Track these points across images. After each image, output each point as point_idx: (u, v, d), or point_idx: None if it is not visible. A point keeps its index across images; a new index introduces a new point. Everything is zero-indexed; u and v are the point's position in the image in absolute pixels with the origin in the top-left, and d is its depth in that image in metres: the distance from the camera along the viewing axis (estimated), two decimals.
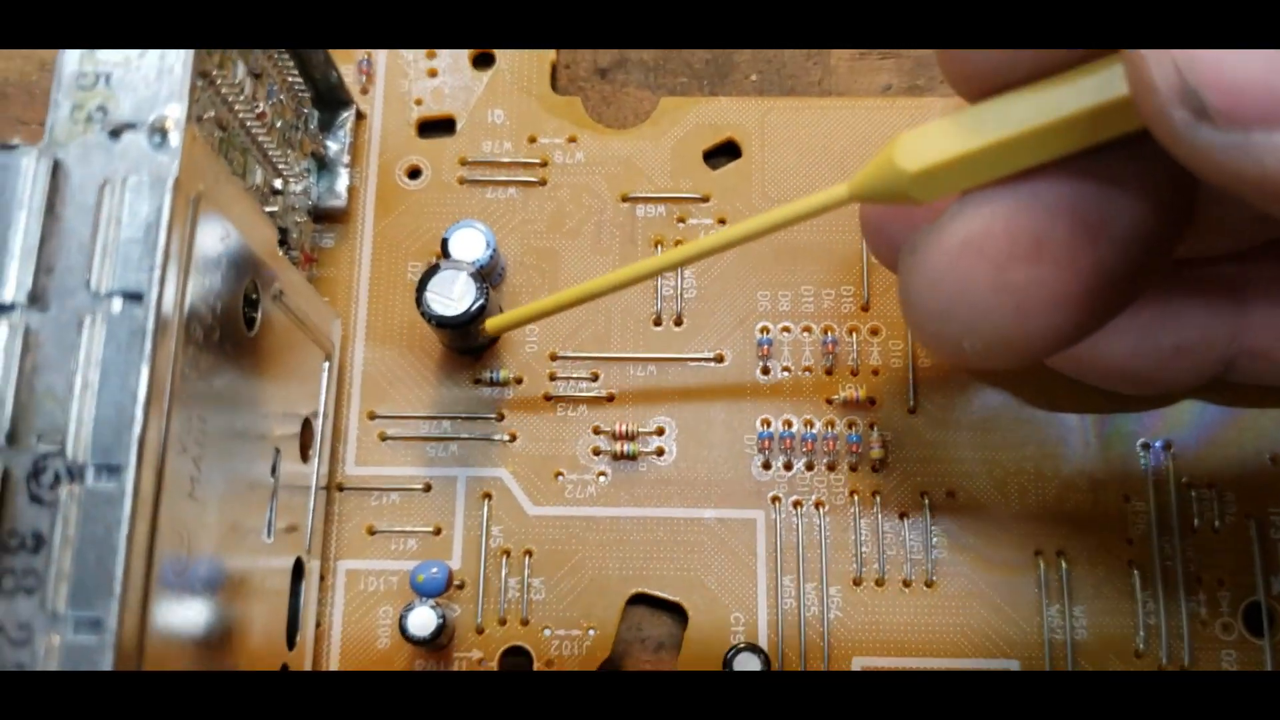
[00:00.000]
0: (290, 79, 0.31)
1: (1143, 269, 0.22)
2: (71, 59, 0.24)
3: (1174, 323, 0.27)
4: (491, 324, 0.31)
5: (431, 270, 0.31)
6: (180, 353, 0.23)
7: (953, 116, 0.21)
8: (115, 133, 0.23)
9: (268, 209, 0.30)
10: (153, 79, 0.23)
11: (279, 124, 0.31)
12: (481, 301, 0.30)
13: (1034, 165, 0.21)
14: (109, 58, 0.23)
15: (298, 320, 0.29)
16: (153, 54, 0.23)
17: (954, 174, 0.21)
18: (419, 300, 0.30)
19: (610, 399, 0.33)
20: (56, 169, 0.23)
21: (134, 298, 0.22)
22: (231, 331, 0.25)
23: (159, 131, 0.23)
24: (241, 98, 0.28)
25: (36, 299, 0.22)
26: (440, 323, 0.30)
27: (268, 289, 0.27)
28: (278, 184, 0.30)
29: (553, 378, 0.33)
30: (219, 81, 0.26)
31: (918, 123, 0.34)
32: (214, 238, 0.24)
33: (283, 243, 0.31)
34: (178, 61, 0.24)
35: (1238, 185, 0.18)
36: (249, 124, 0.28)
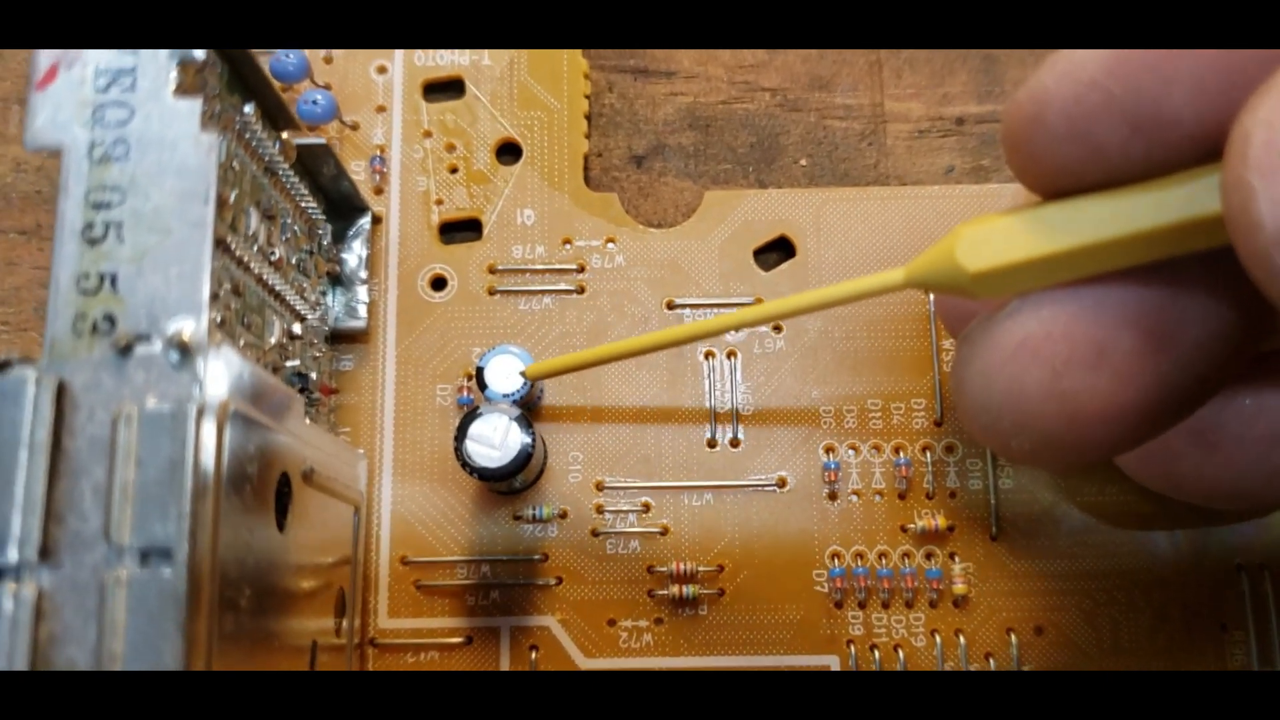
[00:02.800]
0: (303, 203, 0.28)
1: (1212, 379, 0.20)
2: (69, 255, 0.20)
3: None
4: (531, 371, 0.29)
5: (470, 415, 0.27)
6: (217, 606, 0.20)
7: (1021, 214, 0.19)
8: (125, 348, 0.20)
9: (289, 363, 0.27)
10: (166, 279, 0.20)
11: (294, 259, 0.27)
12: (528, 451, 0.27)
13: (1101, 272, 0.19)
14: (115, 252, 0.20)
15: (327, 489, 0.26)
16: (169, 246, 0.20)
17: (1017, 277, 0.20)
18: (458, 450, 0.27)
19: (664, 532, 0.30)
20: (61, 394, 0.20)
21: (162, 554, 0.19)
22: (265, 540, 0.22)
23: (177, 347, 0.20)
24: (255, 250, 0.25)
25: (48, 554, 0.19)
26: (484, 475, 0.27)
27: (297, 473, 0.24)
28: (296, 328, 0.27)
29: (600, 510, 0.30)
30: (233, 245, 0.23)
31: (983, 213, 0.31)
32: (243, 448, 0.21)
33: (302, 389, 0.28)
34: (193, 248, 0.20)
35: None
36: (265, 277, 0.25)
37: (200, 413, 0.19)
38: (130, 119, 0.21)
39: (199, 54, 0.21)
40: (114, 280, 0.20)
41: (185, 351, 0.20)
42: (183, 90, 0.21)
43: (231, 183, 0.23)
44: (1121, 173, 0.19)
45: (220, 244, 0.23)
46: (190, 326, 0.20)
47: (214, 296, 0.22)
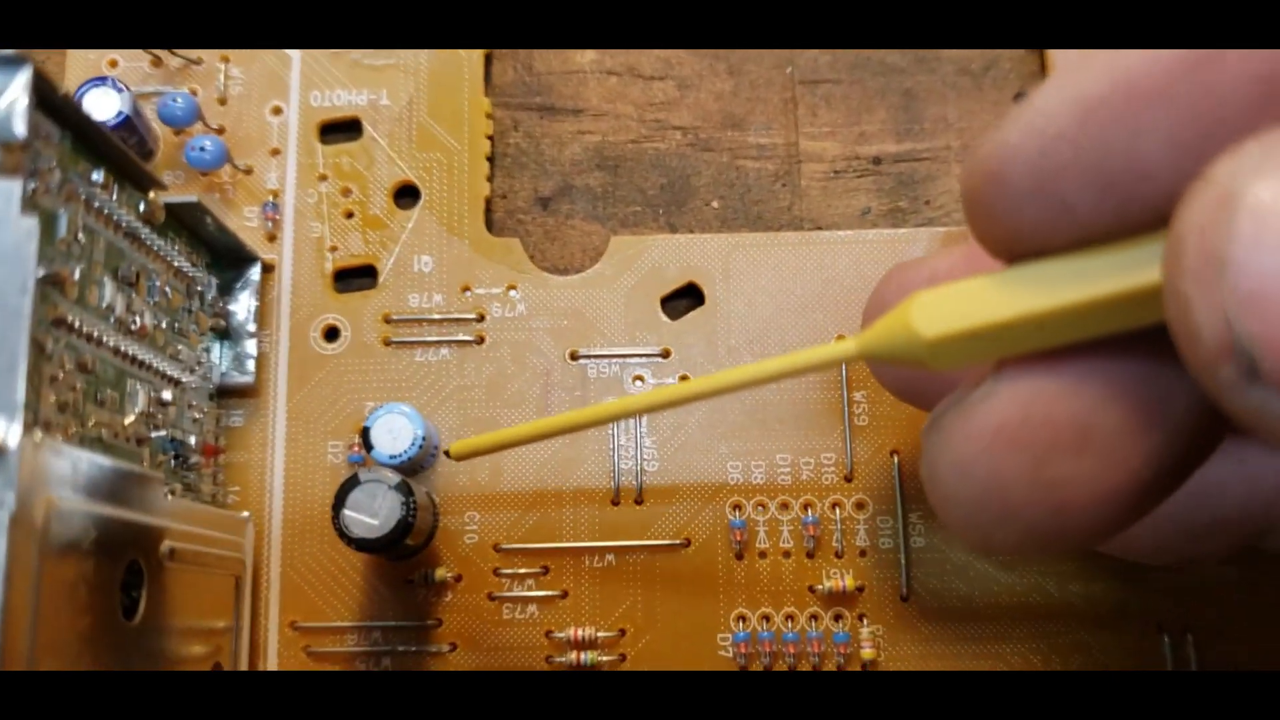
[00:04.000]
0: (176, 263, 0.27)
1: (1198, 452, 0.19)
2: None
3: (1213, 499, 0.23)
4: (456, 448, 0.26)
5: (348, 484, 0.26)
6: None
7: (981, 278, 0.18)
8: None
9: (157, 432, 0.25)
10: None
11: (163, 323, 0.26)
12: (408, 519, 0.26)
13: (1074, 342, 0.18)
14: None
15: (198, 563, 0.25)
16: None
17: (978, 345, 0.18)
18: (335, 520, 0.26)
19: (564, 595, 0.29)
20: None
21: None
22: (107, 636, 0.21)
23: None
24: (111, 321, 0.24)
25: None
26: (362, 546, 0.26)
27: (153, 555, 0.23)
28: (167, 394, 0.26)
29: (497, 573, 0.29)
30: (77, 323, 0.22)
31: (902, 259, 0.30)
32: (73, 545, 0.20)
33: (177, 456, 0.27)
34: (10, 342, 0.19)
35: None
36: (123, 349, 0.24)
37: (14, 520, 0.18)
38: None
39: (19, 131, 0.20)
40: None
41: None
42: (2, 170, 0.20)
43: (76, 256, 0.22)
44: (1092, 233, 0.17)
45: (60, 323, 0.21)
46: (3, 427, 0.19)
47: (52, 379, 0.21)
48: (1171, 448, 0.18)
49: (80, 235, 0.22)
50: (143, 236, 0.25)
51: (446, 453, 0.27)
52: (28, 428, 0.19)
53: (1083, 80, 0.17)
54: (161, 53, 0.32)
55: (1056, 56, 0.32)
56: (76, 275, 0.22)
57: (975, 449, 0.18)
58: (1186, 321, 0.15)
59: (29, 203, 0.20)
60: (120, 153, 0.24)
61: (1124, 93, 0.16)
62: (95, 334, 0.23)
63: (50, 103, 0.21)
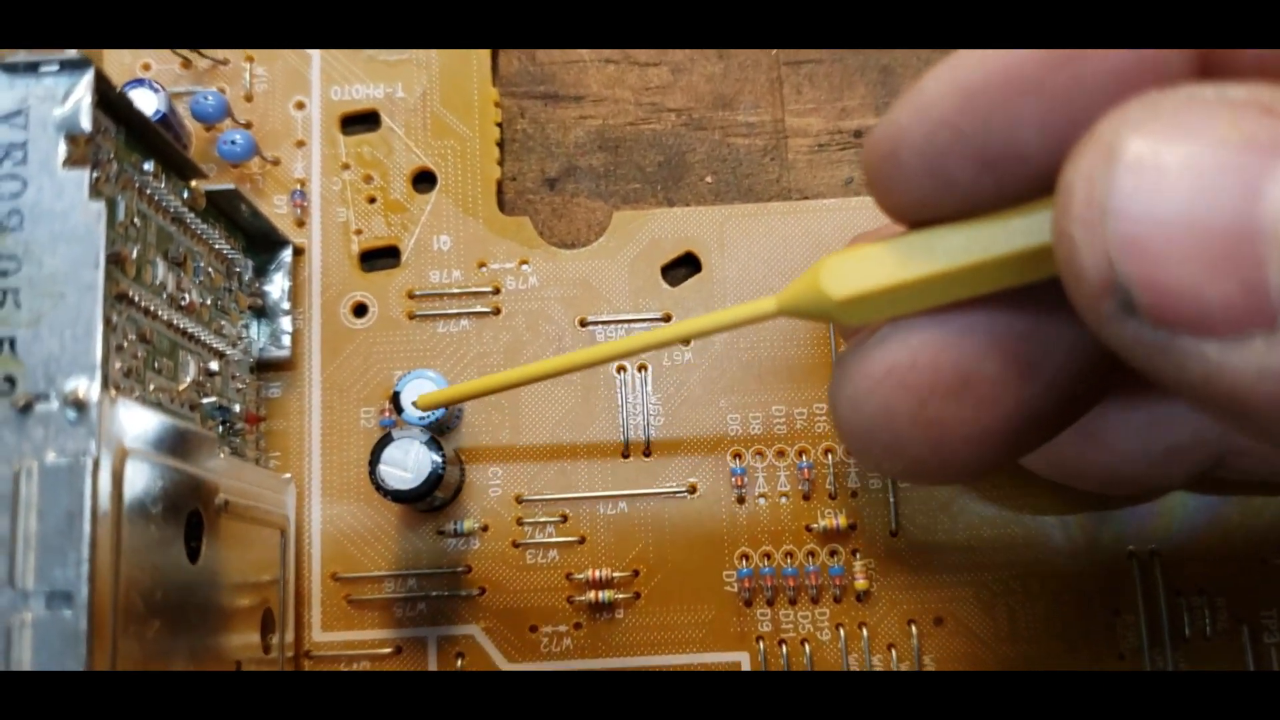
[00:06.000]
0: (217, 245, 0.29)
1: (1075, 403, 0.21)
2: None
3: (1166, 426, 0.26)
4: (423, 401, 0.29)
5: (383, 441, 0.29)
6: (120, 640, 0.21)
7: (883, 243, 0.20)
8: (25, 407, 0.21)
9: (206, 399, 0.28)
10: (61, 341, 0.22)
11: (208, 300, 0.29)
12: (438, 472, 0.29)
13: (965, 299, 0.20)
14: (13, 317, 0.22)
15: (247, 518, 0.28)
16: (63, 309, 0.22)
17: (880, 303, 0.20)
18: (372, 474, 0.29)
19: (582, 541, 0.32)
20: None
21: (64, 598, 0.20)
22: (176, 573, 0.24)
23: (73, 404, 0.21)
24: (164, 297, 0.26)
25: None
26: (398, 497, 0.29)
27: (210, 506, 0.26)
28: (214, 365, 0.29)
29: (520, 522, 0.32)
30: (136, 298, 0.25)
31: (881, 223, 0.32)
32: (145, 491, 0.23)
33: (224, 422, 0.29)
34: (86, 310, 0.22)
35: (1157, 379, 0.17)
36: (175, 322, 0.27)
37: (96, 465, 0.21)
38: (23, 191, 0.22)
39: (85, 126, 0.22)
40: (13, 344, 0.22)
41: (81, 408, 0.21)
42: (72, 161, 0.22)
43: (133, 238, 0.25)
44: (975, 204, 0.19)
45: (122, 298, 0.24)
46: (85, 384, 0.21)
47: (118, 348, 0.24)
48: (1047, 397, 0.20)
49: (136, 220, 0.25)
50: (188, 221, 0.28)
51: (414, 404, 0.29)
52: (103, 387, 0.22)
53: (963, 69, 0.19)
54: (191, 54, 0.34)
55: None
56: (134, 255, 0.25)
57: (868, 386, 0.21)
58: (1073, 261, 0.16)
59: (94, 189, 0.22)
60: (167, 145, 0.26)
61: (1000, 83, 0.18)
62: (151, 308, 0.25)
63: (109, 100, 0.24)
